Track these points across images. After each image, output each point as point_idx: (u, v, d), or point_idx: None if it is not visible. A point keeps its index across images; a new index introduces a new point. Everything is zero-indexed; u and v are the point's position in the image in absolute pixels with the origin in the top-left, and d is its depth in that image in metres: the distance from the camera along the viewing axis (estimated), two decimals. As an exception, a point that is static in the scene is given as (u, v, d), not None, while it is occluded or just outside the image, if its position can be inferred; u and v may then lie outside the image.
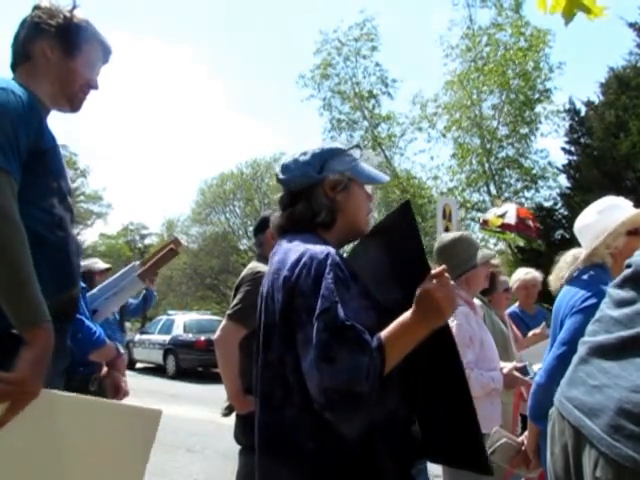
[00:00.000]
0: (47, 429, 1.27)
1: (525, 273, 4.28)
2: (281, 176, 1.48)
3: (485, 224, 4.28)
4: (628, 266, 1.26)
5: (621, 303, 1.23)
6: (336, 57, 17.25)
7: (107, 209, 33.92)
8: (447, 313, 1.24)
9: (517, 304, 4.45)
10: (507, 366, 2.59)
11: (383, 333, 1.21)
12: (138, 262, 2.39)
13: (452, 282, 1.25)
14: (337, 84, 17.41)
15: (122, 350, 2.13)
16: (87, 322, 1.99)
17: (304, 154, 1.46)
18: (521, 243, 4.43)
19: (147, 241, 35.83)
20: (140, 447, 1.39)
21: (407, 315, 1.23)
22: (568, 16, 1.48)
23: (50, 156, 1.45)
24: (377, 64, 17.31)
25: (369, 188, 1.57)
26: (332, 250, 1.29)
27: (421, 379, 1.37)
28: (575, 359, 1.32)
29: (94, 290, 2.33)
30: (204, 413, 4.98)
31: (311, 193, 1.42)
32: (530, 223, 4.20)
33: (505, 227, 4.03)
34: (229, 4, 49.26)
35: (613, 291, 1.28)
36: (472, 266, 2.57)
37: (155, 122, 53.32)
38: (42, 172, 1.41)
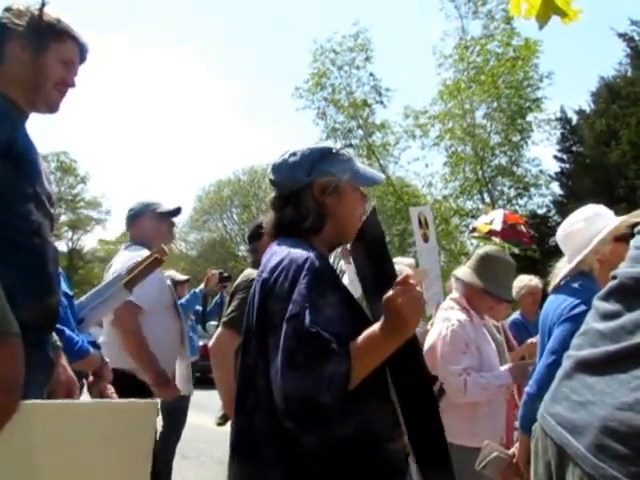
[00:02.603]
0: (34, 443, 1.17)
1: (529, 279, 4.32)
2: (272, 177, 1.43)
3: (474, 231, 4.26)
4: (614, 277, 1.24)
5: (607, 316, 1.20)
6: (330, 66, 17.24)
7: (106, 215, 33.81)
8: (411, 321, 1.16)
9: (519, 312, 4.43)
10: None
11: (352, 344, 1.16)
12: (124, 271, 2.36)
13: (418, 289, 1.18)
14: (331, 93, 17.37)
15: (106, 360, 2.10)
16: (67, 332, 1.95)
17: (294, 155, 1.40)
18: (516, 250, 4.37)
19: (145, 247, 35.59)
20: (139, 444, 1.28)
21: (376, 326, 1.18)
22: (542, 20, 1.46)
23: (25, 161, 1.41)
24: (371, 74, 17.29)
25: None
26: (313, 255, 1.25)
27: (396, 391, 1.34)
28: (559, 373, 1.29)
29: (82, 298, 2.30)
30: (200, 419, 4.91)
31: (299, 197, 1.37)
32: (522, 228, 4.15)
33: (491, 234, 4.00)
34: (230, 6, 49.46)
35: (599, 303, 1.25)
36: (491, 293, 2.57)
37: (153, 128, 53.33)
38: (17, 177, 1.37)
